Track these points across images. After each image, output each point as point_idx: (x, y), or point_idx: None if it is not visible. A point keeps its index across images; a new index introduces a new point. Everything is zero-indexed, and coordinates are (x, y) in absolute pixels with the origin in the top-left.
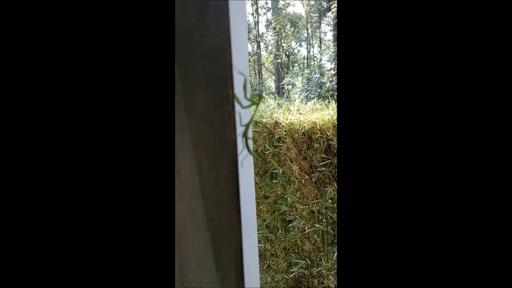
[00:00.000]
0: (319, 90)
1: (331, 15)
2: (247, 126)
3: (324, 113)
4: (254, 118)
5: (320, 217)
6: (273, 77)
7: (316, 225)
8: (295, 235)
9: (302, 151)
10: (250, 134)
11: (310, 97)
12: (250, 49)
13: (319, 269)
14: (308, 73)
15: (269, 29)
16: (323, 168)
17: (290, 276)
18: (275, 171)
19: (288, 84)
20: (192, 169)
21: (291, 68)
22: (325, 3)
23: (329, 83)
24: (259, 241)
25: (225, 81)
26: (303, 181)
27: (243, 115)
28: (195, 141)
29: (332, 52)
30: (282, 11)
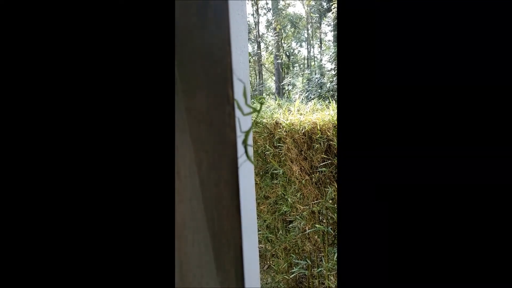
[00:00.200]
0: (319, 90)
1: (331, 16)
2: (247, 133)
3: (325, 114)
4: (254, 119)
5: (320, 218)
6: (274, 78)
7: (317, 225)
8: (295, 236)
9: (302, 152)
10: (250, 141)
11: (310, 97)
12: (250, 49)
13: (320, 269)
14: (309, 73)
15: (269, 29)
16: (324, 169)
17: (290, 277)
18: (276, 171)
19: (288, 85)
20: (192, 169)
21: (291, 68)
22: (325, 4)
23: (329, 83)
24: (260, 242)
25: (225, 81)
26: (303, 181)
27: (243, 122)
28: (195, 141)
29: (333, 53)
30: (283, 12)
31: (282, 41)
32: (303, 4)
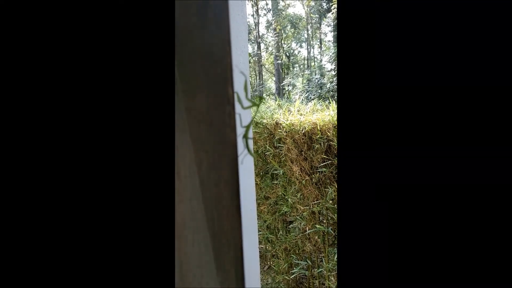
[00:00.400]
0: (319, 91)
1: (331, 16)
2: (247, 127)
3: (325, 114)
4: (254, 119)
5: (321, 218)
6: (274, 78)
7: (317, 226)
8: (295, 236)
9: (302, 152)
10: (250, 134)
11: (310, 98)
12: (250, 50)
13: (320, 270)
14: (309, 74)
15: (269, 30)
16: (324, 169)
17: (291, 277)
18: (276, 172)
19: (288, 85)
20: (192, 169)
21: (291, 69)
22: (325, 4)
23: (329, 84)
24: (260, 242)
25: (225, 81)
26: (303, 181)
27: (243, 116)
28: (195, 142)
29: (332, 53)
30: (282, 12)
31: (282, 42)
32: (303, 5)
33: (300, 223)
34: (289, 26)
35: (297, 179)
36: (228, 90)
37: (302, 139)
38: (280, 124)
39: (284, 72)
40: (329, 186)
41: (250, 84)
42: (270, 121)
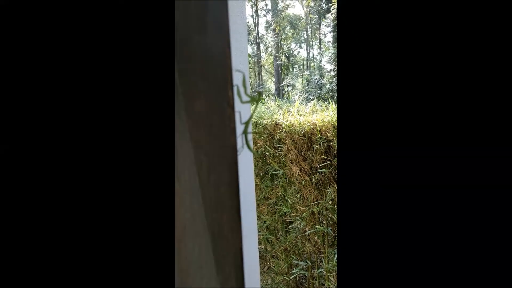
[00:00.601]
0: (319, 91)
1: (330, 17)
2: (246, 123)
3: (324, 114)
4: (254, 119)
5: (320, 219)
6: (273, 79)
7: (317, 226)
8: (295, 237)
9: (302, 152)
10: (250, 131)
11: (310, 98)
12: (250, 50)
13: (320, 270)
14: (308, 74)
15: (268, 30)
16: (323, 169)
17: (290, 278)
18: (275, 172)
19: (288, 86)
20: (192, 172)
21: (291, 69)
22: (324, 5)
23: (328, 84)
24: (260, 243)
25: (225, 83)
26: (303, 182)
27: (243, 112)
28: (195, 144)
29: (332, 54)
30: (282, 13)
31: (282, 42)
32: (302, 5)
33: (300, 224)
34: (288, 27)
35: (297, 180)
36: (228, 92)
37: (302, 139)
38: (280, 124)
39: (284, 73)
40: (328, 187)
41: (250, 85)
42: (269, 122)
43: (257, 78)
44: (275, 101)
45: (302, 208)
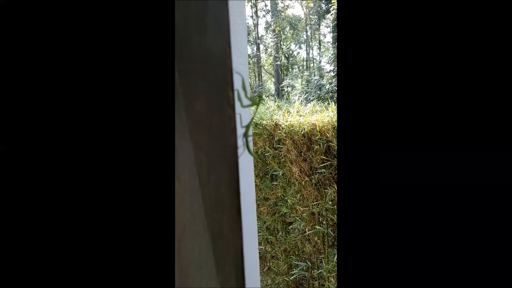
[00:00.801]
0: (318, 92)
1: (330, 17)
2: (247, 126)
3: (324, 115)
4: (254, 120)
5: (320, 219)
6: (273, 79)
7: (317, 227)
8: (295, 237)
9: (302, 153)
10: (250, 134)
11: (309, 99)
12: (249, 51)
13: (320, 271)
14: (308, 75)
15: (268, 31)
16: (323, 170)
17: (290, 278)
18: (275, 173)
19: (287, 86)
20: (192, 172)
21: (290, 70)
22: (324, 5)
23: (328, 85)
24: (259, 243)
25: (225, 83)
26: (303, 182)
27: (243, 115)
28: (195, 145)
29: (332, 54)
30: (282, 14)
31: (281, 43)
32: (302, 6)
33: (300, 224)
34: (288, 27)
35: (297, 180)
36: (228, 92)
37: (302, 140)
38: (280, 125)
39: (283, 73)
40: (328, 187)
41: (250, 85)
42: (269, 122)
43: (257, 79)
44: (275, 102)
45: (302, 209)
